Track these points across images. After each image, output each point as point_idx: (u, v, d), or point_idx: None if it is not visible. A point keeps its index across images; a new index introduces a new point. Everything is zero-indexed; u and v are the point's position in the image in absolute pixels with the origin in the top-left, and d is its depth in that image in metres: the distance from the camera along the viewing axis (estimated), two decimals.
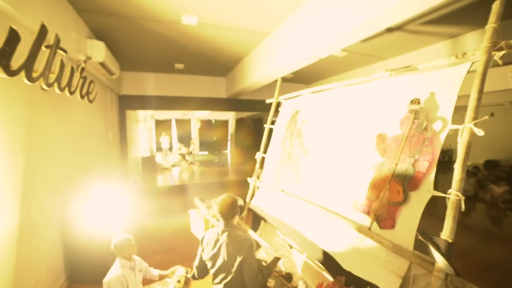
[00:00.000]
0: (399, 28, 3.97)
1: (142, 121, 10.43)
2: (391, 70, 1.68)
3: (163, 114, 15.33)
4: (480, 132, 1.12)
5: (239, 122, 16.84)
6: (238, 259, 1.59)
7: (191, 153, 12.42)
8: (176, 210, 5.22)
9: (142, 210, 5.24)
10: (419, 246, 1.31)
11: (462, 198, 1.11)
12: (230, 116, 16.57)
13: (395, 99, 1.58)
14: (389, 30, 4.03)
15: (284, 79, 7.34)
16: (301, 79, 7.16)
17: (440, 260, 1.15)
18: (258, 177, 2.97)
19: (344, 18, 2.60)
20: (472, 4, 3.23)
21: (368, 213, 1.56)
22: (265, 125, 3.01)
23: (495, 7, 1.21)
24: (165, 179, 8.98)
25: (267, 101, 3.20)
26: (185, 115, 15.89)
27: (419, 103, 1.40)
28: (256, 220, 2.83)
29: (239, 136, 16.71)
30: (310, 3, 3.03)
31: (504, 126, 7.97)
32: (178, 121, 16.30)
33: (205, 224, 2.96)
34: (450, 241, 1.14)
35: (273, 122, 3.00)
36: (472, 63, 1.28)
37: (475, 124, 1.14)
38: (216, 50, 5.01)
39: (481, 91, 1.17)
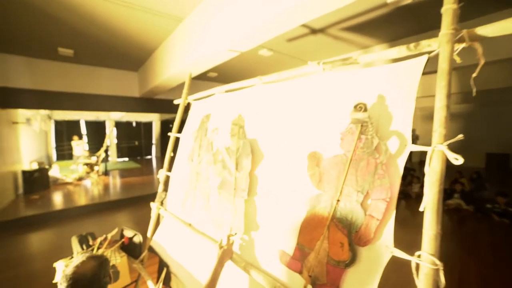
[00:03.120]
0: (322, 31, 3.87)
1: (24, 123, 7.90)
2: (324, 63, 1.24)
3: (69, 114, 12.40)
4: (457, 160, 0.72)
5: (165, 124, 15.15)
6: None
7: (103, 160, 10.18)
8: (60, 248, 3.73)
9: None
10: None
11: (441, 266, 0.68)
12: (154, 118, 14.76)
13: (332, 103, 1.12)
14: (313, 32, 3.89)
15: (208, 78, 6.67)
16: (226, 78, 6.61)
17: None
18: (161, 203, 2.20)
19: (258, 7, 2.14)
20: (379, 18, 3.34)
21: (299, 272, 1.05)
22: (169, 134, 2.26)
23: None
24: (63, 198, 6.86)
25: (175, 101, 2.46)
26: (97, 117, 13.26)
27: (365, 109, 0.95)
28: (161, 266, 2.04)
29: (166, 139, 15.01)
30: None
31: None
32: (89, 124, 13.54)
33: None
34: None
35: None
36: (428, 57, 0.90)
37: (448, 146, 0.74)
38: (119, 36, 3.92)
39: (449, 96, 0.79)
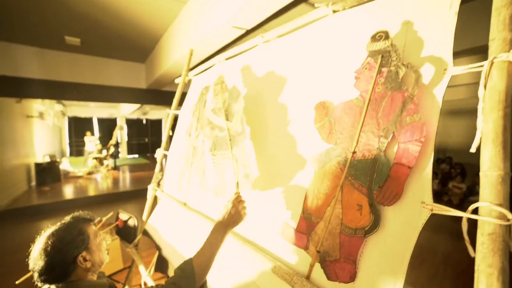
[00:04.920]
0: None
1: (38, 117, 8.06)
2: (333, 3, 1.04)
3: (82, 111, 12.71)
4: None
5: (174, 120, 15.23)
6: None
7: (111, 155, 10.30)
8: None
9: None
10: None
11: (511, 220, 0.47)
12: (164, 115, 14.85)
13: (343, 44, 0.92)
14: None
15: None
16: None
17: None
18: (158, 184, 2.05)
19: None
20: None
21: (305, 247, 0.85)
22: (168, 111, 2.12)
23: None
24: (73, 190, 6.94)
25: (176, 80, 2.31)
26: (111, 115, 13.53)
27: (387, 37, 0.75)
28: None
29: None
30: None
31: None
32: (101, 121, 13.84)
33: None
34: None
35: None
36: None
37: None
38: (126, 22, 3.85)
39: None
